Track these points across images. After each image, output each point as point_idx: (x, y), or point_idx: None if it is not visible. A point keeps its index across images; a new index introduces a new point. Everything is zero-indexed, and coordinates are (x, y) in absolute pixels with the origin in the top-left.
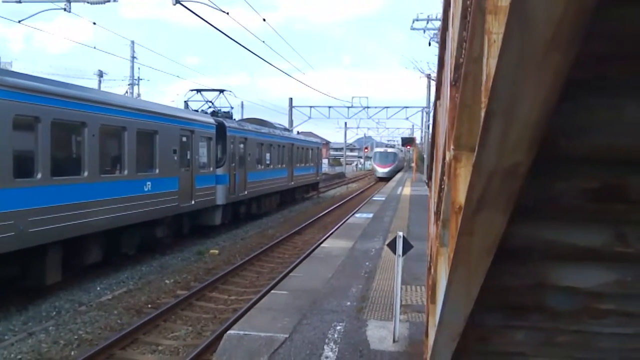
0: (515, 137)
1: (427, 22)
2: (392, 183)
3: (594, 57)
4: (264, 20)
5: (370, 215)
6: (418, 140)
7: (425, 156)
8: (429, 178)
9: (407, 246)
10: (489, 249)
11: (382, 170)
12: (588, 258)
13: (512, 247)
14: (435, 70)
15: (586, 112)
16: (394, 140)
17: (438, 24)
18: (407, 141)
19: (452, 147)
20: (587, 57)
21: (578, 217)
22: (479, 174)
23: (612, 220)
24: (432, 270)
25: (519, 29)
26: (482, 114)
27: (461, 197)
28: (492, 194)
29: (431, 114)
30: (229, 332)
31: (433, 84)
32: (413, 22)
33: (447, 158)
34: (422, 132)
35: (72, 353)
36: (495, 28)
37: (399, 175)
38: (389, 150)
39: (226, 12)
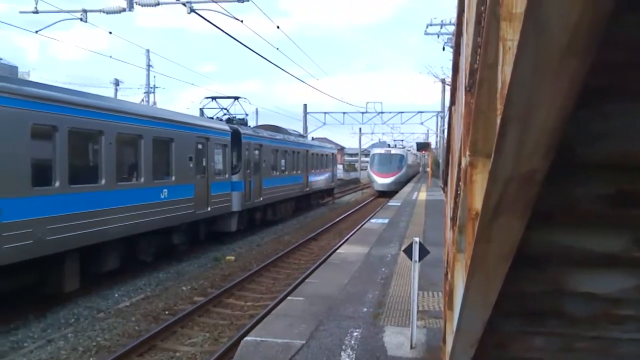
0: (531, 144)
1: (441, 27)
2: (407, 188)
3: (610, 64)
4: (278, 27)
5: (386, 221)
6: (433, 145)
7: (440, 161)
8: (445, 183)
9: (423, 252)
10: (507, 255)
11: (382, 181)
12: (606, 264)
13: (530, 253)
14: (450, 75)
15: (602, 118)
16: (402, 140)
17: (452, 28)
18: (422, 146)
19: (467, 153)
20: (602, 64)
21: (595, 223)
22: (495, 181)
23: (630, 226)
24: (449, 277)
25: (534, 36)
26: (498, 121)
27: (477, 203)
28: (509, 201)
29: (446, 119)
30: (245, 338)
31: (448, 88)
32: (427, 27)
33: (463, 164)
34: (437, 136)
35: None
36: (510, 35)
37: (411, 182)
38: (393, 151)
39: (240, 19)
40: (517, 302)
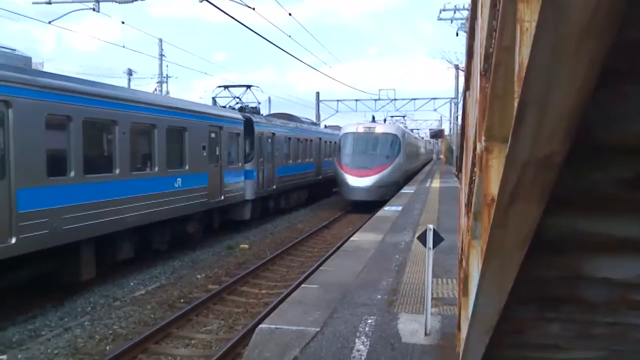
0: (549, 127)
1: (455, 12)
2: (420, 176)
3: (630, 44)
4: (290, 14)
5: (400, 208)
6: (447, 132)
7: (454, 147)
8: (459, 169)
9: (437, 239)
10: (523, 241)
11: (357, 183)
12: (625, 249)
13: (547, 238)
14: (464, 61)
15: (622, 100)
16: (404, 117)
17: (465, 13)
18: (436, 134)
19: (483, 138)
20: (622, 44)
21: (614, 207)
22: (512, 166)
23: None
24: (464, 263)
25: (553, 17)
26: (515, 104)
27: (493, 188)
28: (527, 186)
29: (460, 105)
30: (260, 326)
31: (461, 74)
32: (440, 12)
33: (478, 149)
34: (450, 123)
35: (108, 347)
36: (527, 16)
37: (427, 168)
38: (379, 129)
39: (252, 7)
40: (533, 288)
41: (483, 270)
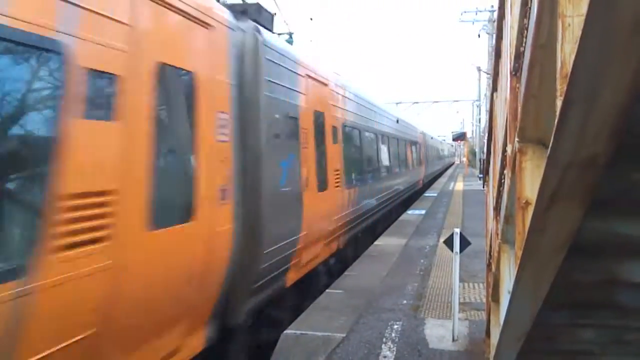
0: (595, 127)
1: (476, 14)
2: (443, 179)
3: None
4: (311, 19)
5: (423, 212)
6: (469, 135)
7: (477, 150)
8: (485, 172)
9: (464, 243)
10: (562, 245)
11: None
12: None
13: (583, 242)
14: (487, 62)
15: None
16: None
17: (487, 15)
18: (459, 137)
19: (516, 139)
20: None
21: None
22: (553, 167)
23: None
24: (493, 268)
25: (603, 10)
26: (558, 103)
27: (527, 191)
28: (568, 188)
29: (482, 108)
30: (285, 331)
31: (484, 76)
32: (462, 14)
33: (510, 151)
34: (473, 125)
35: None
36: (570, 11)
37: (448, 171)
38: None
39: (274, 13)
40: (566, 294)
41: (518, 276)
